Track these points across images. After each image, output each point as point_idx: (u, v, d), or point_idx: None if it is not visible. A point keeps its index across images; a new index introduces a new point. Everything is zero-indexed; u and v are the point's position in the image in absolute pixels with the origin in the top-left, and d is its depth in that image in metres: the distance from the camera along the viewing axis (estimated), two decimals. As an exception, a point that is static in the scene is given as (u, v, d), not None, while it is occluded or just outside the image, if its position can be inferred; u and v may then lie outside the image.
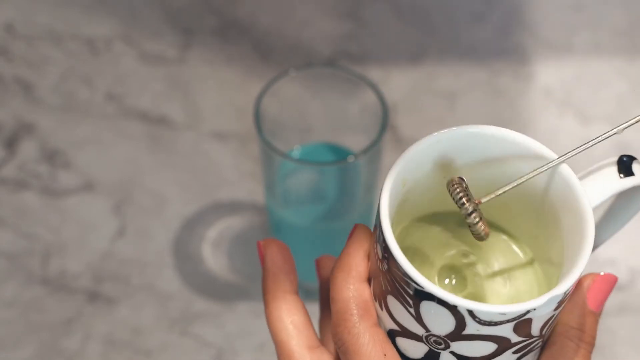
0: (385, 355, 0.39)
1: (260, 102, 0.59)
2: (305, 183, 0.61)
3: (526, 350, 0.39)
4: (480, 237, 0.39)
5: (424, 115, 0.80)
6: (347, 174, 0.60)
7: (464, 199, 0.39)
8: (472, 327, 0.37)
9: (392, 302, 0.39)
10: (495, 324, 0.37)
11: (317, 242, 0.65)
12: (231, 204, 0.75)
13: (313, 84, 0.62)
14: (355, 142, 0.64)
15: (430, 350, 0.39)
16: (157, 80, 0.82)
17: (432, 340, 0.39)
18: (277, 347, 0.41)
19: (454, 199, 0.39)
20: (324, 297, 0.46)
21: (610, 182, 0.42)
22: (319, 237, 0.65)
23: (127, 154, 0.78)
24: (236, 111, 0.80)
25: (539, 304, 0.37)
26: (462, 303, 0.36)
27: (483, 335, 0.38)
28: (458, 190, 0.39)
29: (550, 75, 0.83)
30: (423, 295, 0.37)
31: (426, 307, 0.37)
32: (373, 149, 0.58)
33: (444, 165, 0.41)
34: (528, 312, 0.37)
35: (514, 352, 0.39)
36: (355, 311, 0.39)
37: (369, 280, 0.40)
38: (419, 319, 0.38)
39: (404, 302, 0.38)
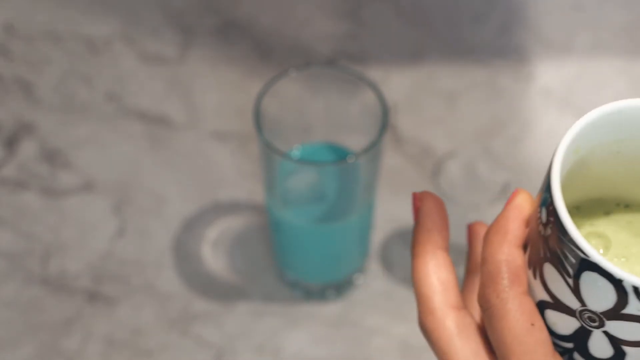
0: (532, 325, 0.37)
1: (260, 102, 0.59)
2: (305, 183, 0.61)
3: None
4: None
5: (424, 115, 0.80)
6: (347, 174, 0.60)
7: None
8: (633, 306, 0.35)
9: (548, 270, 0.37)
10: None
11: (317, 242, 0.65)
12: (231, 204, 0.75)
13: (313, 84, 0.62)
14: (355, 142, 0.64)
15: (581, 327, 0.37)
16: (157, 80, 0.82)
17: (586, 316, 0.37)
18: (419, 302, 0.39)
19: None
20: (473, 263, 0.44)
21: None
22: (319, 237, 0.65)
23: (127, 154, 0.78)
24: (236, 111, 0.80)
25: None
26: (630, 278, 0.33)
27: None
28: None
29: (550, 75, 0.83)
30: (586, 266, 0.34)
31: (587, 278, 0.35)
32: (373, 149, 0.58)
33: (622, 140, 0.38)
34: None
35: None
36: (506, 275, 0.37)
37: (524, 248, 0.38)
38: (576, 291, 0.36)
39: (562, 271, 0.36)
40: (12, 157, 0.77)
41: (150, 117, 0.80)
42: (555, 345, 0.39)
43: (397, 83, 0.82)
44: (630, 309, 0.35)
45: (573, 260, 0.35)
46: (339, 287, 0.70)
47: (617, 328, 0.37)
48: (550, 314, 0.38)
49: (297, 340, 0.68)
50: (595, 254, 0.34)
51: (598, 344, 0.38)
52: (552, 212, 0.35)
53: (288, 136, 0.64)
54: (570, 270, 0.36)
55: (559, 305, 0.37)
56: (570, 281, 0.36)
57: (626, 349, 0.38)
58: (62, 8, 0.87)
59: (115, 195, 0.75)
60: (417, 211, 0.41)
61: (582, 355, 0.40)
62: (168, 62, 0.83)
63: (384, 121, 0.58)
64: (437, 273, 0.39)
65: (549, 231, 0.36)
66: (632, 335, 0.36)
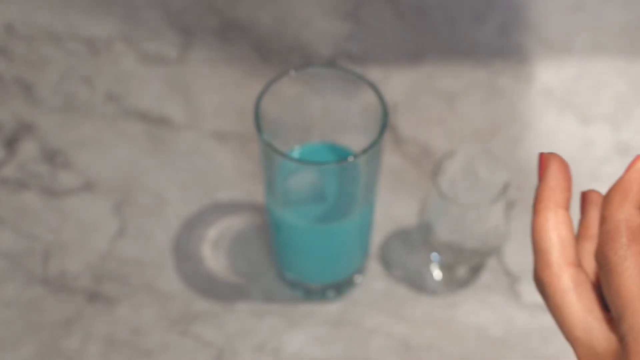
0: None
1: (260, 102, 0.59)
2: (305, 183, 0.61)
3: None
4: None
5: (424, 115, 0.80)
6: (347, 174, 0.60)
7: None
8: None
9: None
10: None
11: (317, 242, 0.65)
12: (231, 204, 0.75)
13: (313, 84, 0.62)
14: (355, 142, 0.64)
15: None
16: (157, 80, 0.82)
17: None
18: (537, 256, 0.40)
19: None
20: (584, 228, 0.45)
21: None
22: (319, 237, 0.65)
23: (127, 154, 0.78)
24: (236, 111, 0.80)
25: None
26: None
27: None
28: None
29: (550, 75, 0.83)
30: None
31: None
32: (373, 149, 0.58)
33: None
34: None
35: None
36: (625, 234, 0.39)
37: None
38: None
39: None
40: (12, 157, 0.77)
41: (151, 117, 0.80)
42: None
43: (397, 83, 0.82)
44: None
45: None
46: (339, 287, 0.70)
47: None
48: None
49: (297, 340, 0.68)
50: None
51: None
52: None
53: (288, 136, 0.64)
54: None
55: None
56: None
57: None
58: (62, 8, 0.87)
59: (116, 195, 0.75)
60: (542, 169, 0.42)
61: None
62: (168, 62, 0.83)
63: (384, 121, 0.58)
64: (557, 229, 0.40)
65: None
66: None
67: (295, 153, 0.64)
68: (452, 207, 0.65)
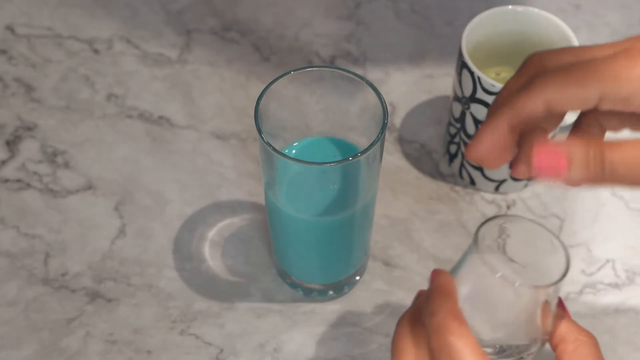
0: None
1: (260, 102, 0.59)
2: (305, 183, 0.61)
3: None
4: None
5: (424, 115, 0.81)
6: (347, 173, 0.60)
7: None
8: (479, 92, 0.69)
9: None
10: None
11: (316, 242, 0.65)
12: (231, 204, 0.75)
13: (313, 84, 0.62)
14: (355, 142, 0.64)
15: (462, 111, 0.69)
16: (158, 80, 0.82)
17: (463, 101, 0.65)
18: None
19: None
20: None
21: None
22: (318, 237, 0.65)
23: (128, 154, 0.78)
24: (236, 111, 0.80)
25: None
26: (477, 71, 0.67)
27: None
28: None
29: (550, 75, 0.83)
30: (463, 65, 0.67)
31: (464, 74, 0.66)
32: (373, 149, 0.58)
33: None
34: None
35: None
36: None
37: None
38: (459, 82, 0.69)
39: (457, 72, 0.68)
40: (13, 157, 0.77)
41: (151, 118, 0.80)
42: (452, 126, 0.73)
43: (397, 83, 0.82)
44: (478, 94, 0.65)
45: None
46: (339, 287, 0.70)
47: (475, 109, 0.67)
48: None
49: (297, 340, 0.68)
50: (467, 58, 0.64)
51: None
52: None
53: (288, 136, 0.64)
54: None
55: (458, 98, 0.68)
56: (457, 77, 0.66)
57: None
58: (63, 9, 0.87)
59: (116, 195, 0.75)
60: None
61: (464, 133, 0.71)
62: (168, 62, 0.83)
63: (384, 121, 0.58)
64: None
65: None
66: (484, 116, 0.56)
67: (295, 147, 0.64)
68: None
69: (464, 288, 0.48)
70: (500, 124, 0.48)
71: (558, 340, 0.50)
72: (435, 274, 0.48)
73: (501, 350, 0.49)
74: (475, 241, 0.48)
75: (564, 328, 0.50)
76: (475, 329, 0.47)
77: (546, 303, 0.48)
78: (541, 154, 0.46)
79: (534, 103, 0.46)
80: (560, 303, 0.51)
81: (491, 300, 0.48)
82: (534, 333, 0.49)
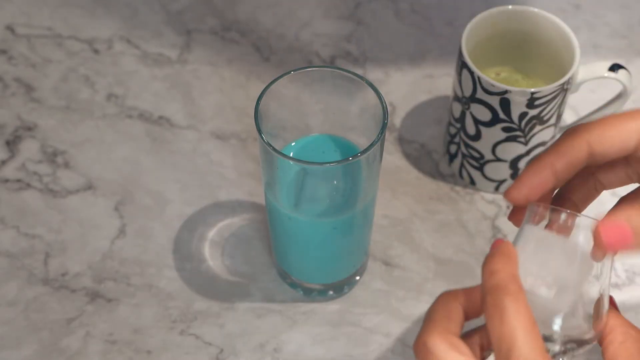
0: None
1: (260, 102, 0.59)
2: (305, 183, 0.61)
3: None
4: None
5: (424, 115, 0.81)
6: (346, 174, 0.60)
7: None
8: (479, 92, 0.66)
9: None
10: None
11: (316, 241, 0.65)
12: (231, 204, 0.75)
13: (313, 84, 0.62)
14: (354, 142, 0.64)
15: (462, 111, 0.72)
16: (158, 80, 0.82)
17: (463, 101, 0.68)
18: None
19: None
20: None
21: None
22: (318, 237, 0.65)
23: (128, 154, 0.78)
24: (236, 111, 0.80)
25: None
26: (477, 71, 0.68)
27: None
28: None
29: (550, 75, 0.83)
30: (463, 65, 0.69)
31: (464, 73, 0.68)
32: (373, 149, 0.58)
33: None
34: None
35: None
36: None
37: None
38: (459, 82, 0.70)
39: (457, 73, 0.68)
40: (13, 157, 0.78)
41: (151, 118, 0.80)
42: (452, 126, 0.73)
43: (397, 83, 0.82)
44: (478, 94, 0.67)
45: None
46: (339, 287, 0.70)
47: (475, 109, 0.69)
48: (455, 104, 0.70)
49: (297, 340, 0.69)
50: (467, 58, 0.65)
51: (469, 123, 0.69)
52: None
53: (288, 136, 0.64)
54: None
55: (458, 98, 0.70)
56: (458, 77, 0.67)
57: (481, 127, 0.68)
58: (63, 9, 0.87)
59: (116, 195, 0.75)
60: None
61: (464, 133, 0.72)
62: (168, 62, 0.83)
63: (384, 121, 0.58)
64: None
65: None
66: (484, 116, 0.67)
67: (294, 145, 0.64)
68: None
69: (523, 257, 0.48)
70: (543, 167, 0.49)
71: (607, 331, 0.51)
72: (498, 242, 0.48)
73: (556, 340, 0.49)
74: (529, 214, 0.50)
75: (614, 320, 0.51)
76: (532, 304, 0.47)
77: (600, 297, 0.50)
78: (607, 231, 0.48)
79: (579, 144, 0.49)
80: (611, 299, 0.52)
81: (551, 267, 0.49)
82: (588, 322, 0.49)
